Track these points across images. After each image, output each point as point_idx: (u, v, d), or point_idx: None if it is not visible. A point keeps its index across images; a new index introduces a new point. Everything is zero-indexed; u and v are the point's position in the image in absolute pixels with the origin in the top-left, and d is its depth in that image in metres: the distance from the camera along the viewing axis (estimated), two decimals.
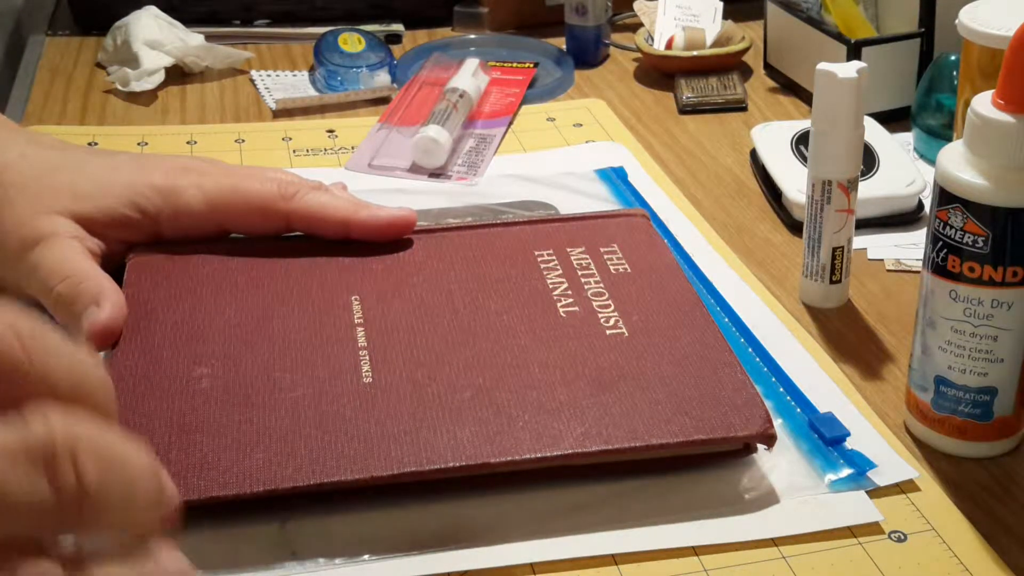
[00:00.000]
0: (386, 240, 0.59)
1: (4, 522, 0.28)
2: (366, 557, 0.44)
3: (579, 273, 0.57)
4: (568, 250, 0.59)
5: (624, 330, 0.52)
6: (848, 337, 0.59)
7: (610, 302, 0.55)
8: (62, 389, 0.30)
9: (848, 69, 0.56)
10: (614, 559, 0.44)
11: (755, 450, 0.48)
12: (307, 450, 0.45)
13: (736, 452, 0.48)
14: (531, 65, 0.89)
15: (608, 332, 0.52)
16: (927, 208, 0.54)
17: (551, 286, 0.56)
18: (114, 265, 0.56)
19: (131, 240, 0.58)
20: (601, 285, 0.56)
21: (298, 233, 0.59)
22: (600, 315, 0.54)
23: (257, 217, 0.58)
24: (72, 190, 0.56)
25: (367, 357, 0.50)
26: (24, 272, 0.55)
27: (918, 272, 0.61)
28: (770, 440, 0.47)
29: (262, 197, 0.58)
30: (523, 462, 0.45)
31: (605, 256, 0.58)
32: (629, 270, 0.57)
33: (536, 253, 0.59)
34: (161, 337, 0.51)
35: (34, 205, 0.55)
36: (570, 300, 0.55)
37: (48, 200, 0.56)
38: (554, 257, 0.58)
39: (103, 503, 0.29)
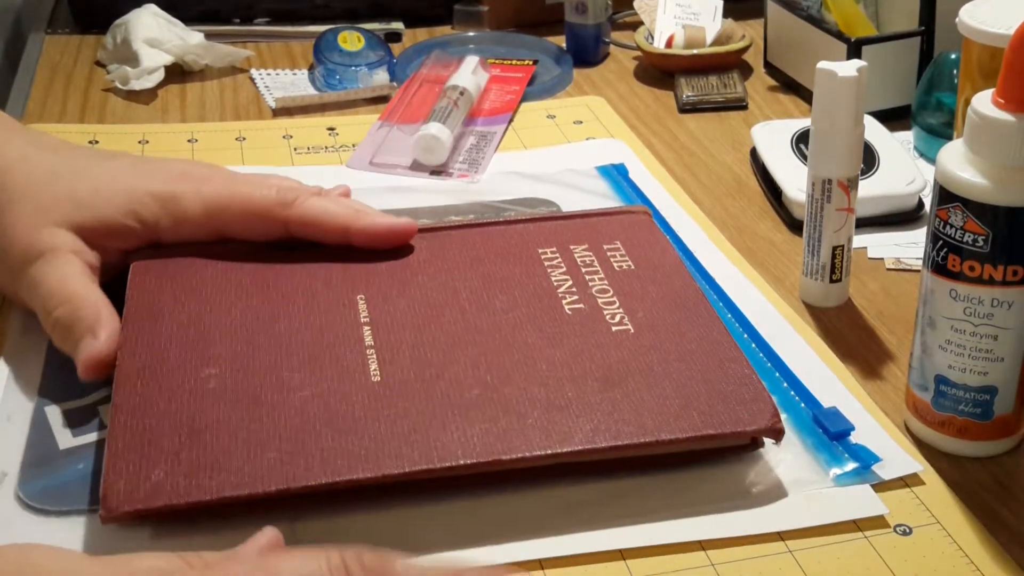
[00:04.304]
0: (386, 248, 0.59)
1: None
2: None
3: (583, 270, 0.57)
4: (572, 247, 0.59)
5: (630, 327, 0.53)
6: (848, 336, 0.59)
7: (615, 299, 0.55)
8: None
9: (848, 68, 0.56)
10: (621, 554, 0.45)
11: (762, 444, 0.49)
12: (318, 449, 0.45)
13: (743, 447, 0.49)
14: (530, 62, 0.89)
15: (614, 328, 0.53)
16: (927, 207, 0.54)
17: (556, 283, 0.56)
18: (114, 273, 0.57)
19: (130, 249, 0.58)
20: (605, 282, 0.56)
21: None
22: (605, 312, 0.54)
23: (256, 224, 0.58)
24: (72, 199, 0.56)
25: (374, 356, 0.51)
26: (25, 286, 0.55)
27: (918, 271, 0.61)
28: (778, 434, 0.47)
29: (261, 204, 0.58)
30: (534, 459, 0.45)
31: (608, 253, 0.59)
32: (633, 267, 0.57)
33: (540, 251, 0.59)
34: (168, 338, 0.52)
35: (35, 215, 0.56)
36: (575, 297, 0.55)
37: (49, 209, 0.56)
38: (558, 255, 0.59)
39: None
